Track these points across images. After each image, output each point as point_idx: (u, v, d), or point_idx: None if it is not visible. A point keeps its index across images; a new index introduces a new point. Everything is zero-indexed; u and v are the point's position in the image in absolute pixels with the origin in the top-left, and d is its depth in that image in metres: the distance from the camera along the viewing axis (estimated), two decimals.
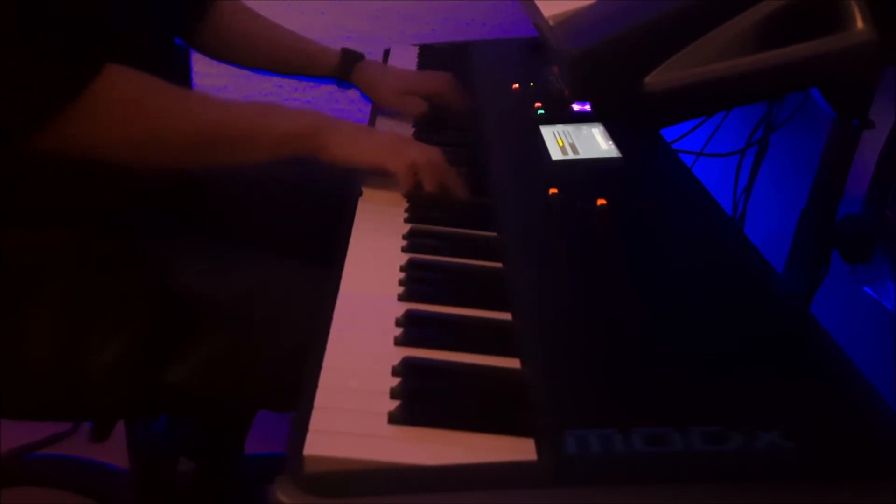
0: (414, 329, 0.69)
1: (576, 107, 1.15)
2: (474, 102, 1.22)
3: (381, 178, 0.94)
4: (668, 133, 1.32)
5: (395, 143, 0.96)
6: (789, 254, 0.93)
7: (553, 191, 0.91)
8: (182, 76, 1.20)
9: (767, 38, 0.57)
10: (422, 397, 0.61)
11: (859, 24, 0.56)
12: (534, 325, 0.70)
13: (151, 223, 0.93)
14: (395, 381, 0.63)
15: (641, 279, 0.77)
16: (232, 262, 0.94)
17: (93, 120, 0.80)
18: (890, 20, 0.56)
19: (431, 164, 0.93)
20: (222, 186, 1.08)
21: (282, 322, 0.88)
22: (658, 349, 0.66)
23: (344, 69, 1.23)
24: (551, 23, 0.76)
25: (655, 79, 0.59)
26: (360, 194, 0.94)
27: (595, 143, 1.05)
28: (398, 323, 0.70)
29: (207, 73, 1.45)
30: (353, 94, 1.30)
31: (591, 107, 1.02)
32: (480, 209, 0.91)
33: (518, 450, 0.56)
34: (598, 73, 0.62)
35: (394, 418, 0.59)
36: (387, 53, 1.52)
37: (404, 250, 0.83)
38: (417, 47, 1.56)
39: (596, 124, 1.09)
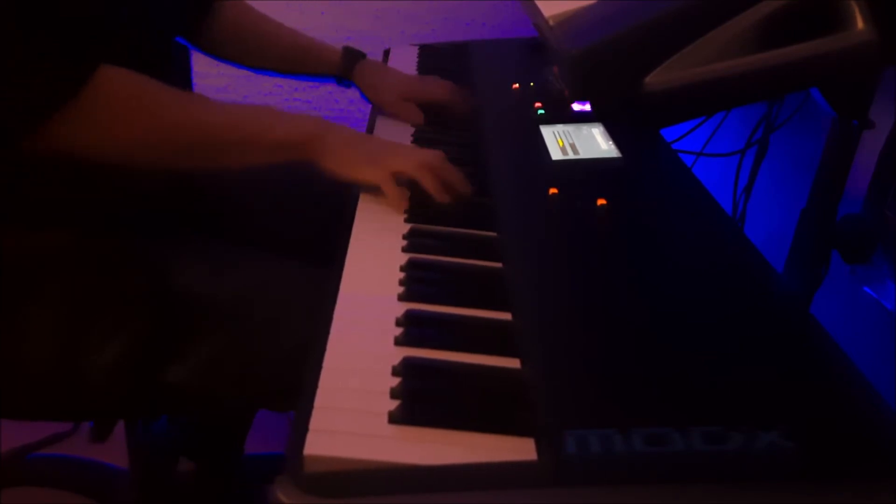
0: (414, 329, 0.69)
1: (576, 107, 1.15)
2: (474, 103, 1.22)
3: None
4: (668, 133, 1.32)
5: (375, 153, 0.93)
6: (789, 254, 0.93)
7: (553, 191, 0.91)
8: (182, 76, 1.20)
9: (767, 38, 0.57)
10: (422, 397, 0.61)
11: (859, 24, 0.56)
12: (534, 325, 0.70)
13: (151, 223, 0.93)
14: (396, 380, 0.63)
15: (641, 279, 0.77)
16: (232, 263, 0.94)
17: (90, 120, 0.80)
18: (890, 20, 0.56)
19: (424, 167, 0.91)
20: (222, 186, 1.08)
21: (282, 322, 0.88)
22: (658, 349, 0.66)
23: (345, 67, 1.23)
24: (551, 23, 0.76)
25: (655, 79, 0.59)
26: (360, 194, 0.94)
27: (595, 143, 1.05)
28: (398, 323, 0.70)
29: (207, 73, 1.45)
30: (353, 94, 1.30)
31: (591, 107, 1.02)
32: (480, 209, 0.91)
33: (518, 450, 0.56)
34: (598, 73, 0.62)
35: (394, 418, 0.59)
36: (387, 53, 1.51)
37: (404, 250, 0.83)
38: (417, 47, 1.56)
39: (596, 124, 1.09)
